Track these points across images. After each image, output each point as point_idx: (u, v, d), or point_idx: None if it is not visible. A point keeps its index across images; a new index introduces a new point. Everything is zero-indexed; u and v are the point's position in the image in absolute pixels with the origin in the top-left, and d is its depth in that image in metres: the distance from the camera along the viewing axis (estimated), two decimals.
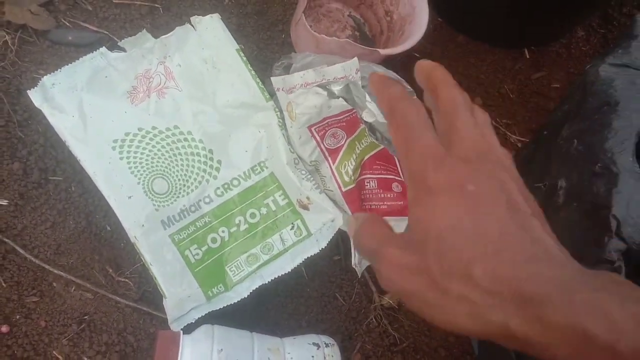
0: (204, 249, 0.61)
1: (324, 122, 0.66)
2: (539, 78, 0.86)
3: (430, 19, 0.85)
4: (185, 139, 0.64)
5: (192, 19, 0.66)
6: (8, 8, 0.66)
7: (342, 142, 0.66)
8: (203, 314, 0.59)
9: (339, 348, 0.60)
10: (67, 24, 0.71)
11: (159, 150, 0.62)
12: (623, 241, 0.35)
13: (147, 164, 0.61)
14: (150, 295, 0.64)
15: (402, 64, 0.79)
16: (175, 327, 0.58)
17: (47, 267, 0.61)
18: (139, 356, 0.62)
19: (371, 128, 0.63)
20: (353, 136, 0.66)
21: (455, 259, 0.24)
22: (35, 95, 0.60)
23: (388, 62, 0.77)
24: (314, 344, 0.58)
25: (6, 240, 0.61)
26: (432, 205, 0.26)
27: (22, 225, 0.62)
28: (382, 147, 0.67)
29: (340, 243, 0.70)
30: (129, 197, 0.59)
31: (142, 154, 0.61)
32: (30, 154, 0.65)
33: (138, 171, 0.60)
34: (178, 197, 0.62)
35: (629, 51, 0.45)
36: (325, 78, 0.62)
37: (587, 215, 0.38)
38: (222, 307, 0.60)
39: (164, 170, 0.62)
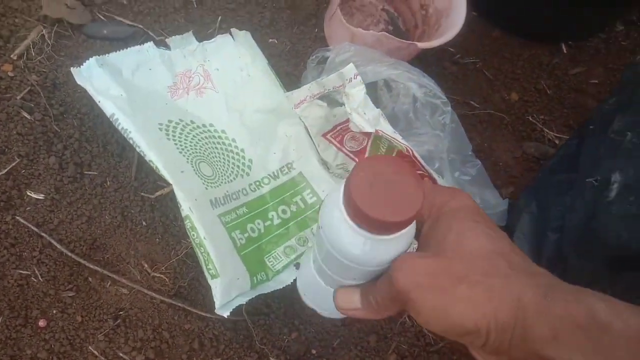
0: (245, 235, 0.62)
1: (336, 129, 0.66)
2: (576, 74, 0.84)
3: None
4: (220, 137, 0.67)
5: (231, 30, 0.71)
6: (45, 2, 0.66)
7: (365, 143, 0.65)
8: (246, 300, 0.59)
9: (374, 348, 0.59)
10: (102, 17, 0.71)
11: (199, 140, 0.65)
12: None
13: (191, 148, 0.63)
14: (185, 291, 0.64)
15: (436, 59, 0.78)
16: (222, 312, 0.57)
17: (83, 261, 0.61)
18: (174, 353, 0.61)
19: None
20: (372, 137, 0.65)
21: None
22: (79, 74, 0.61)
23: (421, 57, 0.76)
24: None
25: (43, 234, 0.61)
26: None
27: (58, 219, 0.62)
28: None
29: None
30: (181, 172, 0.60)
31: (185, 139, 0.64)
32: (65, 148, 0.65)
33: (186, 152, 0.62)
34: (222, 182, 0.63)
35: None
36: (326, 88, 0.64)
37: None
38: (264, 293, 0.60)
39: (206, 157, 0.64)
